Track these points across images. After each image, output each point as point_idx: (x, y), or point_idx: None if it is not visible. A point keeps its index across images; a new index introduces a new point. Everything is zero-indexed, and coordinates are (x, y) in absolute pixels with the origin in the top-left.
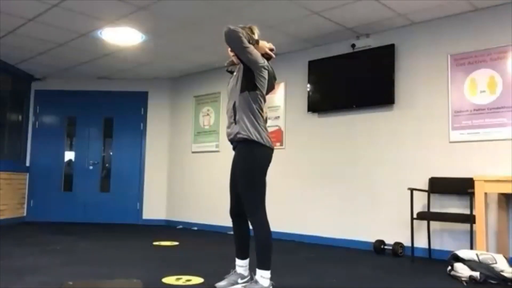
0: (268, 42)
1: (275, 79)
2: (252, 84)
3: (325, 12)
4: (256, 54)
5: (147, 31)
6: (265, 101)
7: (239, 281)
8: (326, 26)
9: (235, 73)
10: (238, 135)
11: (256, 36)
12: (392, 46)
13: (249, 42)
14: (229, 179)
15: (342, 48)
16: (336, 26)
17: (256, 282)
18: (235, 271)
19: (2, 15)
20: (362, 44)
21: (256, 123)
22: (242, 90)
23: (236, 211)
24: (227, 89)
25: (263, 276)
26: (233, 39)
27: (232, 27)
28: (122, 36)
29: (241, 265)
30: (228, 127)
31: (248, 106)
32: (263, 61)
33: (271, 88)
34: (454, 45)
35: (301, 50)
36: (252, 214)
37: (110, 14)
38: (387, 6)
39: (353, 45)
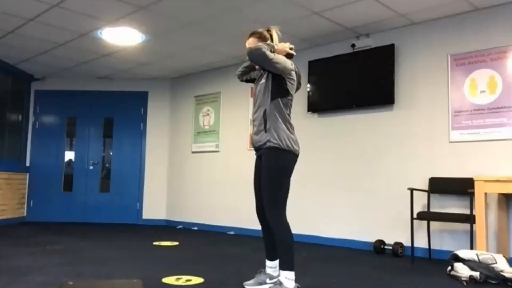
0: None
1: (300, 77)
2: (283, 90)
3: (325, 12)
4: (283, 61)
5: (147, 31)
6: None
7: (268, 281)
8: (326, 26)
9: (262, 80)
10: (268, 143)
11: (275, 36)
12: (392, 46)
13: (271, 51)
14: (253, 182)
15: (342, 48)
16: (336, 26)
17: (281, 283)
18: (264, 271)
19: (2, 15)
20: (362, 44)
21: (287, 130)
22: (273, 98)
23: (263, 213)
24: (254, 93)
25: (288, 277)
26: (257, 56)
27: (253, 47)
28: (122, 36)
29: (271, 266)
30: (256, 134)
31: (280, 113)
32: (291, 65)
33: (298, 87)
34: (454, 45)
35: (301, 50)
36: (272, 215)
37: (110, 14)
38: (387, 6)
39: (353, 45)
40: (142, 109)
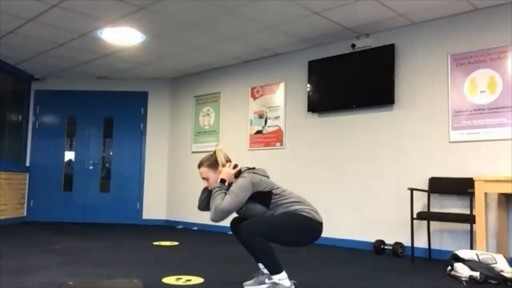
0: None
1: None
2: (264, 195)
3: (325, 12)
4: (238, 196)
5: (147, 31)
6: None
7: (267, 281)
8: (326, 26)
9: (242, 208)
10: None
11: (220, 158)
12: (392, 46)
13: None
14: None
15: (342, 48)
16: (336, 26)
17: (277, 284)
18: (262, 272)
19: (2, 15)
20: (362, 44)
21: (299, 206)
22: (267, 207)
23: (237, 221)
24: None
25: (281, 279)
26: (221, 217)
27: (211, 214)
28: (122, 36)
29: (264, 267)
30: None
31: (282, 206)
32: (249, 191)
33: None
34: (454, 45)
35: (301, 50)
36: (247, 233)
37: (110, 14)
38: (387, 6)
39: (353, 45)
40: (142, 109)
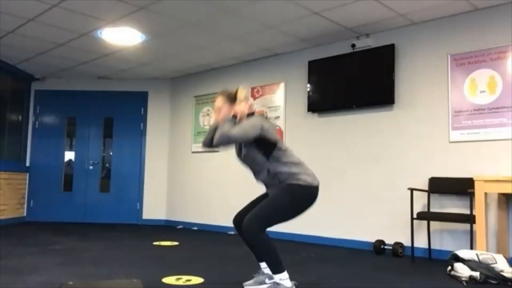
0: (243, 91)
1: (268, 120)
2: (268, 144)
3: (325, 12)
4: (246, 130)
5: (147, 31)
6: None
7: (267, 281)
8: (326, 26)
9: (243, 151)
10: (285, 182)
11: (240, 97)
12: (392, 46)
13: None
14: (255, 197)
15: (342, 48)
16: (336, 26)
17: (278, 284)
18: (262, 272)
19: (2, 15)
20: (362, 44)
21: (297, 168)
22: (267, 157)
23: (239, 219)
24: (243, 163)
25: (282, 278)
26: (223, 143)
27: (216, 135)
28: (122, 36)
29: (265, 267)
30: (273, 188)
31: (281, 162)
32: (257, 130)
33: (272, 131)
34: (454, 45)
35: (301, 50)
36: (250, 229)
37: (110, 14)
38: (387, 6)
39: (353, 45)
40: (142, 109)
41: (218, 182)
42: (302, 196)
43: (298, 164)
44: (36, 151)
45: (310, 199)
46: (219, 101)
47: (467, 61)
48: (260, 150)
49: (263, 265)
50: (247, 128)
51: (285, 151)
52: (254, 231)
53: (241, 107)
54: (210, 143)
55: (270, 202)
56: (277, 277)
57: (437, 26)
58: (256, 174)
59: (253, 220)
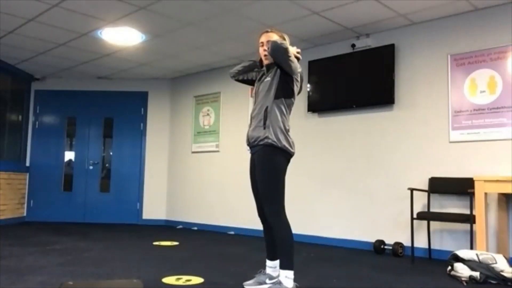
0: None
1: (303, 81)
2: (289, 90)
3: (325, 12)
4: (296, 63)
5: (147, 31)
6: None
7: (267, 281)
8: (326, 26)
9: (267, 78)
10: (266, 140)
11: (287, 40)
12: (392, 46)
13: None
14: (250, 183)
15: (342, 48)
16: (336, 26)
17: (280, 283)
18: (264, 271)
19: (2, 15)
20: (362, 44)
21: (285, 130)
22: (277, 96)
23: (263, 213)
24: (254, 91)
25: (288, 277)
26: (280, 50)
27: (278, 40)
28: (122, 36)
29: (271, 266)
30: (254, 130)
31: (281, 112)
32: (300, 68)
33: (299, 92)
34: (454, 45)
35: (301, 50)
36: (272, 215)
37: (110, 14)
38: (387, 6)
39: (353, 45)
40: (142, 109)
41: (218, 182)
42: (281, 161)
43: (286, 129)
44: (36, 151)
45: (285, 164)
46: (271, 35)
47: (467, 61)
48: (278, 85)
49: (269, 263)
50: (295, 60)
51: (288, 113)
52: (278, 218)
53: (291, 48)
54: (236, 75)
55: (264, 183)
56: (285, 273)
57: (437, 26)
58: (254, 107)
59: (270, 208)
